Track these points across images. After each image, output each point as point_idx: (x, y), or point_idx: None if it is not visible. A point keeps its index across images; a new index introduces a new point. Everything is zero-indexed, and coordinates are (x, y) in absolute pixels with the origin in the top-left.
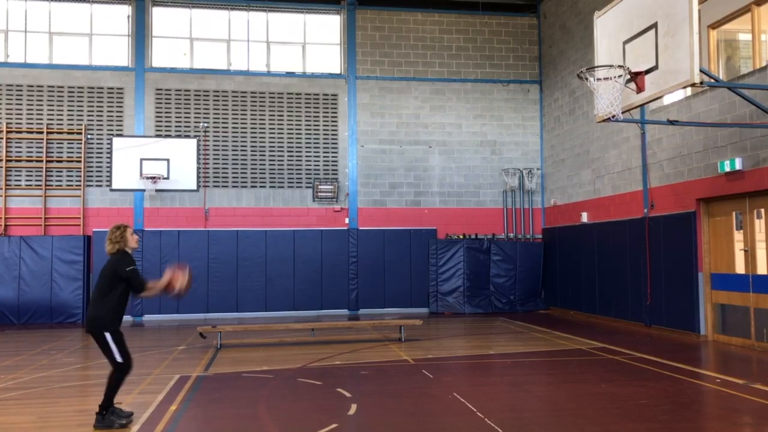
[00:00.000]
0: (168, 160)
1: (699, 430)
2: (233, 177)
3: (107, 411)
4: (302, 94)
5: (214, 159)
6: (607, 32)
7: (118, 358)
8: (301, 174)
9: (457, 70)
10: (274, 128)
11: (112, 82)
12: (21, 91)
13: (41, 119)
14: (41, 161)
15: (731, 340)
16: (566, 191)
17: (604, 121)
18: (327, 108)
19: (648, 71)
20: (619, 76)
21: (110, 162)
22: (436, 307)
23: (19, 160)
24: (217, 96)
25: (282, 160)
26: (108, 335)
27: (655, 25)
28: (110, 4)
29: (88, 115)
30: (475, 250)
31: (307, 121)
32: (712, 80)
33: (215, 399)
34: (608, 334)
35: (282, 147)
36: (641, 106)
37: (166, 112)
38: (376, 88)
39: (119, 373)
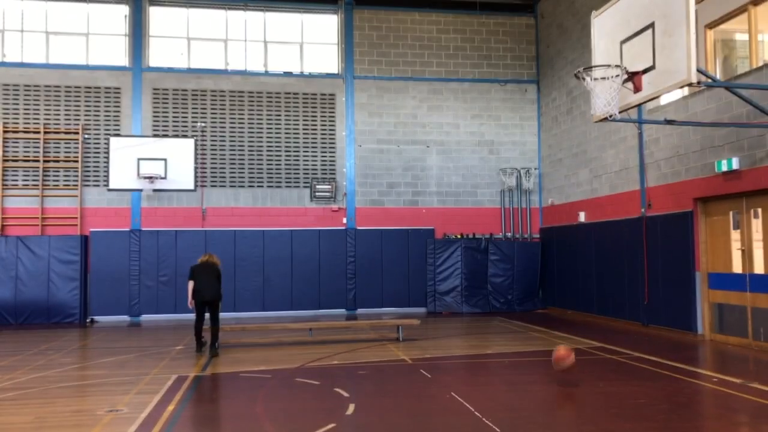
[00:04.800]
0: (165, 159)
1: (696, 430)
2: (230, 177)
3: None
4: (299, 94)
5: (212, 159)
6: (605, 32)
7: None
8: (298, 174)
9: (455, 70)
10: (271, 128)
11: (109, 82)
12: (18, 90)
13: (38, 119)
14: (38, 161)
15: (728, 339)
16: (564, 191)
17: (601, 120)
18: (324, 108)
19: (645, 71)
20: (617, 75)
21: (107, 162)
22: (433, 307)
23: (16, 160)
24: (215, 96)
25: (279, 160)
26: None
27: (652, 25)
28: (107, 4)
29: (85, 115)
30: (472, 249)
31: (304, 120)
32: (709, 80)
33: (213, 399)
34: (606, 334)
35: (279, 147)
36: (638, 105)
37: (163, 112)
38: (373, 88)
39: (219, 327)
